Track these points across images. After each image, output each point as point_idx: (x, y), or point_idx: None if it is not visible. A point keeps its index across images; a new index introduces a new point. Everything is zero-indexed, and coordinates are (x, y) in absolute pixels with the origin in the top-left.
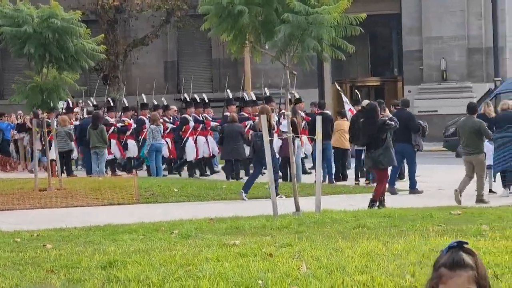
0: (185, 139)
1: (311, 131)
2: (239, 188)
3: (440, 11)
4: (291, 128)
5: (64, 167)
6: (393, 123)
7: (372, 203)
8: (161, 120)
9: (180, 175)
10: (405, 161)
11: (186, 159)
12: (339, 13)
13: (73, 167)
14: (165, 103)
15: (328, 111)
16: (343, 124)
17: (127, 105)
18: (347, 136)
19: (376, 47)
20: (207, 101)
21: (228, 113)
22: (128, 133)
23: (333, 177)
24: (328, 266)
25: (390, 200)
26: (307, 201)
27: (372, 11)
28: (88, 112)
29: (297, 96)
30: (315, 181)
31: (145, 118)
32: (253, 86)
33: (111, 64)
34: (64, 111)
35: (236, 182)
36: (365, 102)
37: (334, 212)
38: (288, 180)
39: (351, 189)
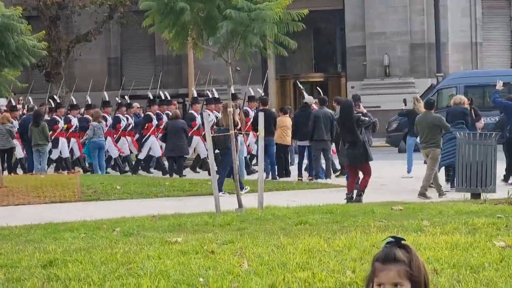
0: (146, 136)
1: (254, 127)
2: (182, 185)
3: (382, 7)
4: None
5: (6, 165)
6: (367, 118)
7: (359, 196)
8: (125, 117)
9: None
10: None
11: (153, 156)
12: (282, 9)
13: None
14: (107, 99)
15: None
16: (286, 121)
17: (75, 102)
18: (289, 132)
19: (319, 43)
20: (151, 97)
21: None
22: (71, 130)
23: (276, 173)
24: (270, 262)
25: (334, 196)
26: (250, 198)
27: (315, 7)
28: (29, 109)
29: (252, 94)
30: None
31: (121, 116)
32: (197, 82)
33: (53, 60)
34: (5, 108)
35: (179, 179)
36: (309, 99)
37: (276, 208)
38: (231, 176)
39: (294, 185)
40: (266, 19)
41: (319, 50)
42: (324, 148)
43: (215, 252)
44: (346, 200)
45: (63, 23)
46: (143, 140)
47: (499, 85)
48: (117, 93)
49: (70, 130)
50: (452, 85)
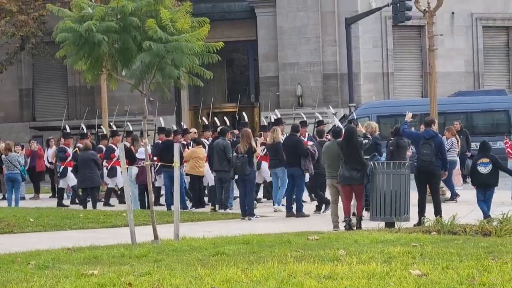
0: (110, 168)
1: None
2: (96, 217)
3: (295, 37)
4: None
5: None
6: (367, 140)
7: (359, 221)
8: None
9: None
10: None
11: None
12: (201, 40)
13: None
14: (68, 130)
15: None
16: (199, 151)
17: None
18: (202, 163)
19: (233, 73)
20: (68, 130)
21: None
22: None
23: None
24: None
25: (250, 226)
26: (166, 229)
27: (229, 38)
28: None
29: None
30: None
31: (114, 146)
32: (110, 113)
33: None
34: None
35: (94, 210)
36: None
37: (193, 239)
38: (146, 208)
39: (209, 215)
40: (183, 51)
41: (232, 81)
42: (220, 178)
43: (132, 285)
44: (345, 226)
45: None
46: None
47: (408, 117)
48: (28, 125)
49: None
50: (365, 115)
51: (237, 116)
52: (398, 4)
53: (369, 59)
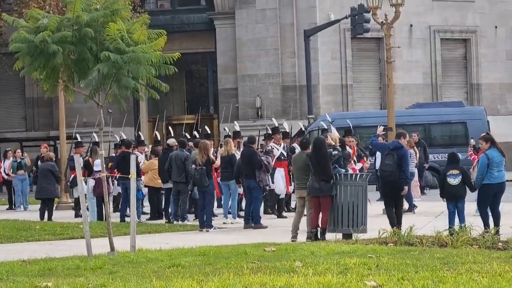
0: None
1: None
2: (53, 228)
3: (254, 49)
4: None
5: None
6: (336, 152)
7: (323, 234)
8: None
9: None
10: None
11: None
12: (158, 51)
13: None
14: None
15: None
16: (156, 163)
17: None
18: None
19: (192, 85)
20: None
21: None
22: None
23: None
24: None
25: (207, 238)
26: (123, 241)
27: (188, 50)
28: None
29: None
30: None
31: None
32: (68, 124)
33: None
34: None
35: (50, 222)
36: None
37: (149, 251)
38: (104, 219)
39: (167, 227)
40: (140, 62)
41: (191, 92)
42: (178, 189)
43: None
44: (310, 238)
45: None
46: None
47: (380, 130)
48: None
49: None
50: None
51: (199, 129)
52: (357, 17)
53: (328, 71)
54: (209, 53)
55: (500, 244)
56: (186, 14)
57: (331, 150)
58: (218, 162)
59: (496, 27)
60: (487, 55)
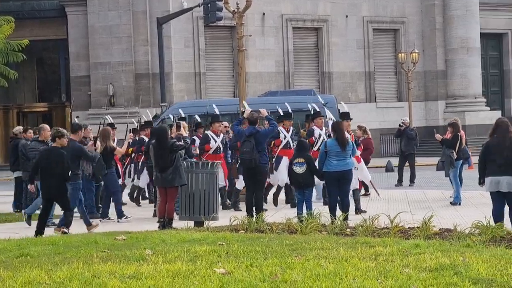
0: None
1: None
2: None
3: (106, 37)
4: None
5: None
6: (182, 143)
7: (169, 223)
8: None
9: None
10: None
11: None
12: (2, 38)
13: None
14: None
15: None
16: None
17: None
18: None
19: (43, 72)
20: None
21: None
22: None
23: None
24: None
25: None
26: None
27: (39, 37)
28: None
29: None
30: None
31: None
32: None
33: None
34: None
35: None
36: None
37: None
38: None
39: (17, 217)
40: None
41: (43, 80)
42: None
43: None
44: (159, 226)
45: None
46: None
47: (259, 112)
48: None
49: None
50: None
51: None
52: (209, 5)
53: (181, 59)
54: (61, 40)
55: (348, 230)
56: (36, 0)
57: (174, 140)
58: (121, 150)
59: (347, 16)
60: (338, 44)
